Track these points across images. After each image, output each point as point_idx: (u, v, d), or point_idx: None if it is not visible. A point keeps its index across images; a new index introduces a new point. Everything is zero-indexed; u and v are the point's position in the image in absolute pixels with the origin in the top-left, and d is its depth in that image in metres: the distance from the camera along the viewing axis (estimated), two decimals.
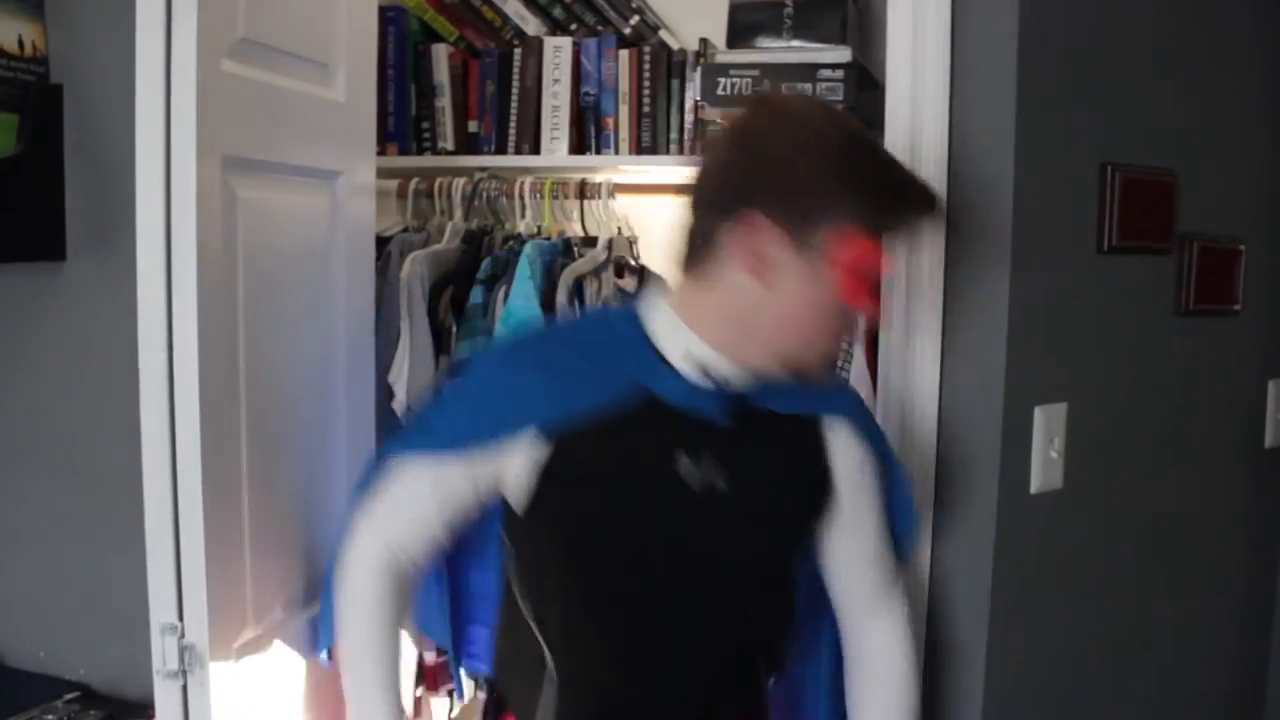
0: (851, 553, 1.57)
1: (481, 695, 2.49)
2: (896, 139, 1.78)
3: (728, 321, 1.35)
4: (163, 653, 1.65)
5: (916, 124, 1.77)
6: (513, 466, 1.42)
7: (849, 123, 1.38)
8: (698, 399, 1.39)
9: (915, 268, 1.78)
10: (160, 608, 1.67)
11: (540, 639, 1.49)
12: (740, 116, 1.40)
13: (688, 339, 1.38)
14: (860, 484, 1.53)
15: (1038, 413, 1.81)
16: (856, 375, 2.17)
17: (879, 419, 1.79)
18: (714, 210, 1.32)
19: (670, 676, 1.47)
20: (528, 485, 1.42)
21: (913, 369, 1.79)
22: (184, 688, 1.66)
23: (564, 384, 1.40)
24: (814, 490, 1.51)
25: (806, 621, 1.63)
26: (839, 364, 2.10)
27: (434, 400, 1.60)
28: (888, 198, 1.32)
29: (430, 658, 2.52)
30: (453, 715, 2.74)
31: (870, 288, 1.33)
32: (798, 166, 1.28)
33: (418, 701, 2.65)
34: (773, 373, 1.39)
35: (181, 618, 1.66)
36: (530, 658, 1.51)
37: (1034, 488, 1.83)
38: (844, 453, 1.52)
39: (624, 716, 1.50)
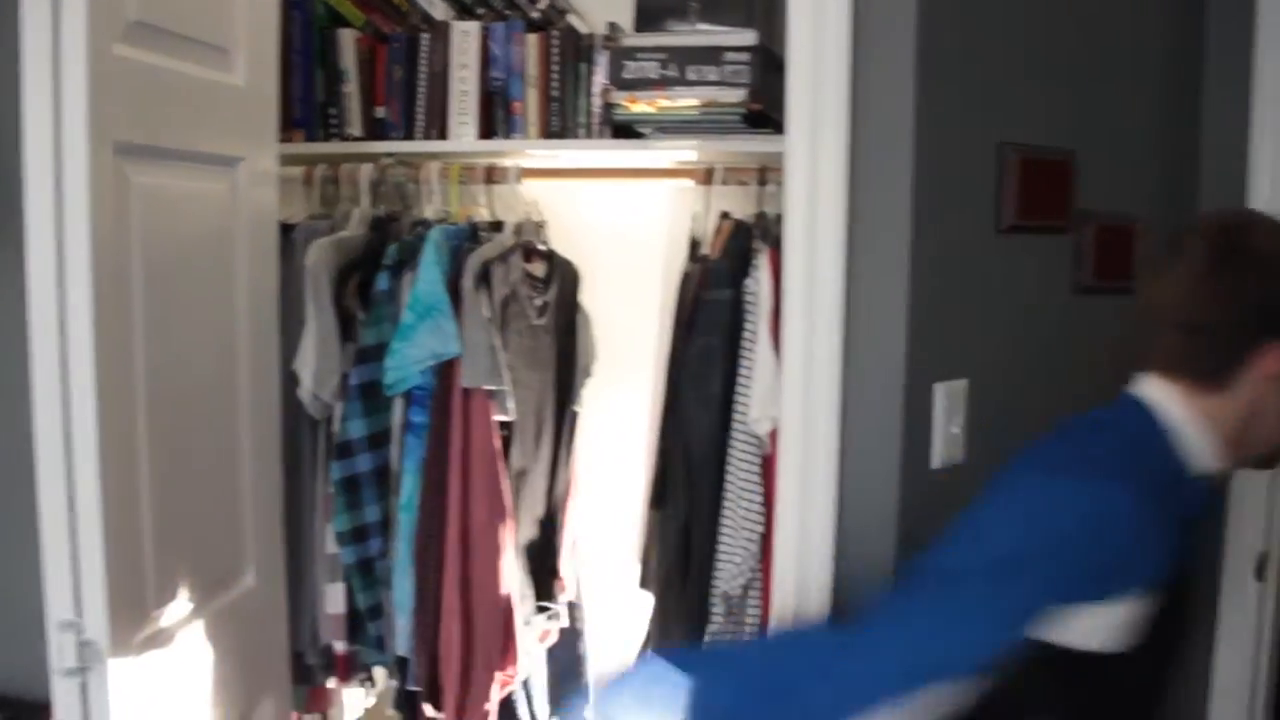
0: None
1: (393, 683, 2.49)
2: (798, 122, 1.80)
3: (1239, 428, 1.43)
4: (60, 650, 1.62)
5: (818, 106, 1.78)
6: (1105, 615, 1.33)
7: None
8: (1208, 503, 1.49)
9: (816, 246, 1.80)
10: (57, 604, 1.64)
11: None
12: (1251, 240, 1.41)
13: (1211, 448, 1.43)
14: None
15: (938, 389, 1.84)
16: (762, 356, 2.20)
17: (782, 398, 1.85)
18: (1243, 334, 1.40)
19: None
20: (1114, 632, 1.34)
21: (815, 346, 1.80)
22: (83, 685, 1.63)
23: (1172, 525, 1.36)
24: None
25: None
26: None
27: (1031, 529, 1.35)
28: None
29: (340, 647, 2.50)
30: (367, 703, 2.73)
31: None
32: None
33: (330, 692, 2.63)
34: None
35: (80, 614, 1.63)
36: None
37: (935, 463, 1.86)
38: None
39: None
